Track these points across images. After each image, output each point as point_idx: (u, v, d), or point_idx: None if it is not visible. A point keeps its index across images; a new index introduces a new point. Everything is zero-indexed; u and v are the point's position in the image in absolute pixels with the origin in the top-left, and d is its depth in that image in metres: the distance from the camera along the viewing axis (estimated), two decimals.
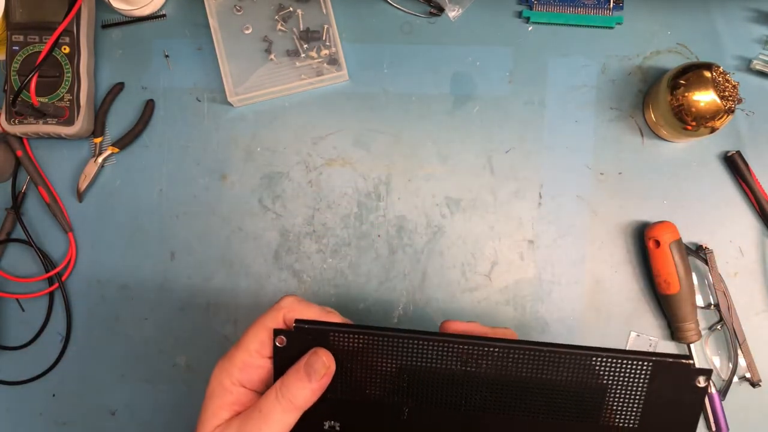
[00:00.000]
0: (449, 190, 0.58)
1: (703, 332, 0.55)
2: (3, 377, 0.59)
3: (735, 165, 0.55)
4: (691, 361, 0.34)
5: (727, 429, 0.53)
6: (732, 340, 0.54)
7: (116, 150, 0.59)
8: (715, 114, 0.50)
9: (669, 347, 0.56)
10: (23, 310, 0.59)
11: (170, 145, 0.59)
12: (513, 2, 0.58)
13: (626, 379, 0.35)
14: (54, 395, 0.59)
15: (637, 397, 0.35)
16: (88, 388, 0.58)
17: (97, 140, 0.59)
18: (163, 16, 0.60)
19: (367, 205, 0.58)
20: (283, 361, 0.36)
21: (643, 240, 0.55)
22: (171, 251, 0.59)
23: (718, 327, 0.55)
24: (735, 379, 0.54)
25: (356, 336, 0.36)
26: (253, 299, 0.58)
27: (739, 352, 0.54)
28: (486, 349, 0.35)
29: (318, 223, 0.58)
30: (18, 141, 0.59)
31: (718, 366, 0.55)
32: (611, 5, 0.57)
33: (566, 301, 0.56)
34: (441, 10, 0.58)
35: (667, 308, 0.54)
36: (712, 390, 0.54)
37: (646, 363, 0.34)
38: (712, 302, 0.55)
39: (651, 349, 0.55)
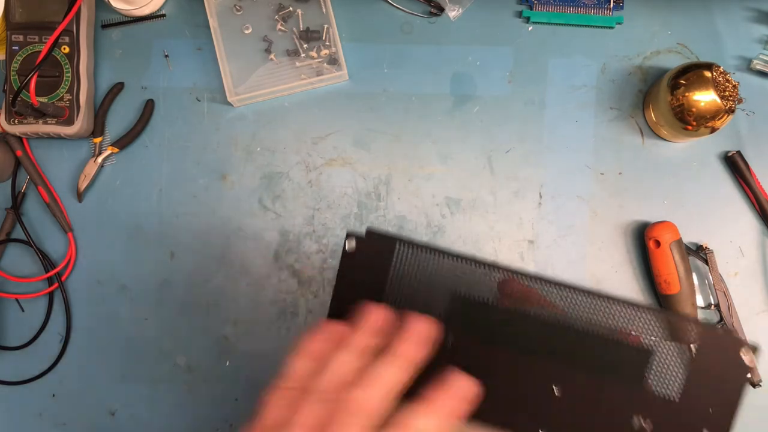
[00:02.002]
0: (449, 190, 0.58)
1: None
2: (3, 377, 0.59)
3: (735, 165, 0.55)
4: (741, 336, 0.34)
5: None
6: None
7: (116, 150, 0.59)
8: (715, 114, 0.50)
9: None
10: (23, 310, 0.59)
11: (170, 145, 0.59)
12: (513, 2, 0.58)
13: (674, 345, 0.35)
14: (54, 395, 0.59)
15: (682, 366, 0.35)
16: (87, 388, 0.58)
17: (97, 140, 0.59)
18: (163, 16, 0.60)
19: (367, 205, 0.58)
20: (348, 264, 0.37)
21: (643, 240, 0.55)
22: (171, 251, 0.59)
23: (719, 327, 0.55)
24: None
25: (420, 250, 0.36)
26: (253, 299, 0.58)
27: None
28: (545, 290, 0.35)
29: (318, 223, 0.58)
30: (18, 141, 0.59)
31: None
32: (611, 5, 0.57)
33: None
34: (441, 10, 0.58)
35: (667, 308, 0.54)
36: None
37: (694, 327, 0.34)
38: (713, 302, 0.55)
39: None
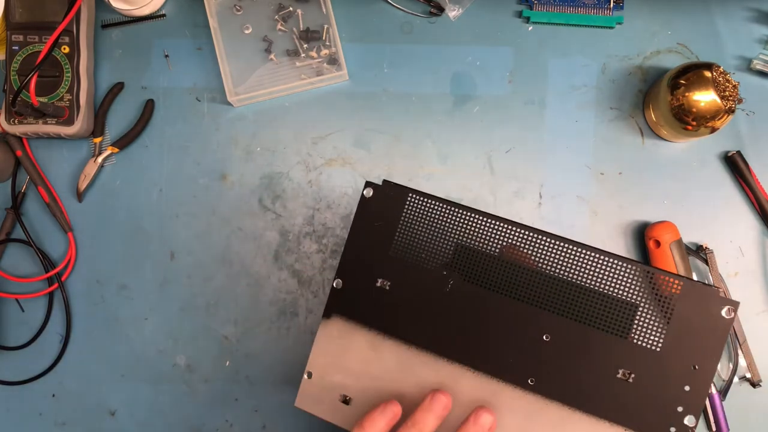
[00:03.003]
0: (449, 190, 0.58)
1: None
2: (3, 377, 0.59)
3: (735, 165, 0.55)
4: (720, 289, 0.36)
5: (728, 429, 0.53)
6: (732, 340, 0.54)
7: (116, 150, 0.59)
8: (715, 114, 0.50)
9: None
10: (23, 310, 0.59)
11: (170, 145, 0.59)
12: (513, 2, 0.58)
13: (656, 295, 0.36)
14: (54, 395, 0.59)
15: (664, 317, 0.36)
16: (87, 388, 0.58)
17: (97, 140, 0.59)
18: (163, 16, 0.60)
19: None
20: (364, 211, 0.42)
21: (643, 240, 0.55)
22: (171, 251, 0.59)
23: None
24: (735, 379, 0.54)
25: (430, 202, 0.40)
26: (253, 299, 0.58)
27: (739, 352, 0.54)
28: (541, 241, 0.38)
29: (318, 223, 0.58)
30: (18, 141, 0.59)
31: (718, 366, 0.55)
32: (611, 5, 0.57)
33: None
34: (441, 10, 0.58)
35: None
36: (713, 390, 0.54)
37: (677, 281, 0.36)
38: None
39: None
